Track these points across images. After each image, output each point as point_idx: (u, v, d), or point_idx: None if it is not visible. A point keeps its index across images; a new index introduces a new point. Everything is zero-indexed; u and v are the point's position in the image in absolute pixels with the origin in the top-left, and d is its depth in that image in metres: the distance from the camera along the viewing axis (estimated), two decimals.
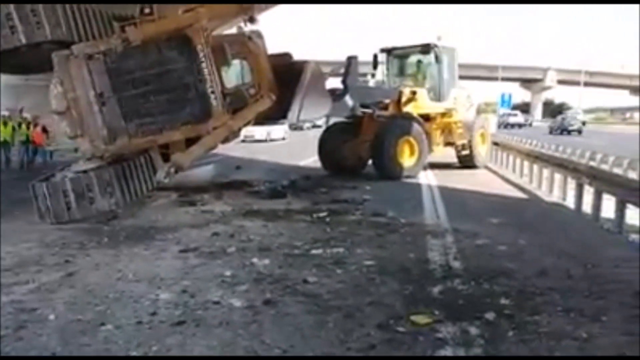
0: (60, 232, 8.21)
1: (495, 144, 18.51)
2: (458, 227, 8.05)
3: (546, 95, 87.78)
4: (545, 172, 12.82)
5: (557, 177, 11.93)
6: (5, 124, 20.27)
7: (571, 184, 11.21)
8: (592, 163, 12.68)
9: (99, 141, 9.35)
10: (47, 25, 9.26)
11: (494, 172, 16.48)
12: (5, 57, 9.58)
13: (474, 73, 66.18)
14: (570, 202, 10.81)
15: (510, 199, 11.68)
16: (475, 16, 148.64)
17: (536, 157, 13.38)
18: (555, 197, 11.65)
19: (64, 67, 9.28)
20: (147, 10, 10.11)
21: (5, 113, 21.14)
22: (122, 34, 9.59)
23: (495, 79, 71.97)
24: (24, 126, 20.70)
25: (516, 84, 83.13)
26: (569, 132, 45.75)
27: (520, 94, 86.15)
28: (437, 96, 16.04)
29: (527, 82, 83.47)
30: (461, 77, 17.96)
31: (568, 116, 54.48)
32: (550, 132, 46.48)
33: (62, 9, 9.46)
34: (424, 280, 5.64)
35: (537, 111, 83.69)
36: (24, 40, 9.19)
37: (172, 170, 9.60)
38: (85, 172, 9.24)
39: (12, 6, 9.04)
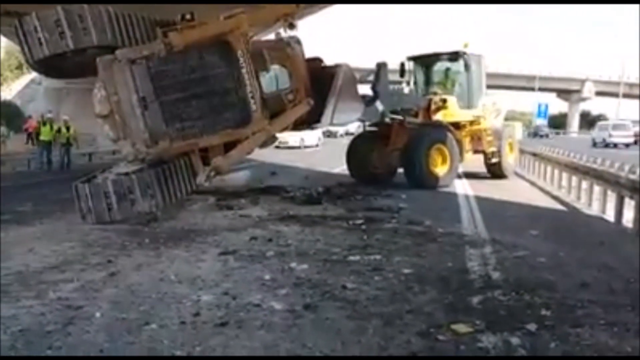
0: (102, 233, 8.39)
1: (534, 154, 18.26)
2: (496, 238, 7.98)
3: (583, 106, 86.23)
4: (584, 184, 12.61)
5: (597, 189, 11.71)
6: (49, 125, 20.84)
7: (611, 197, 11.00)
8: (632, 176, 12.41)
9: (141, 144, 9.52)
10: (93, 31, 9.47)
11: (531, 183, 16.28)
12: (51, 61, 9.80)
13: (511, 83, 65.40)
14: (610, 215, 10.61)
15: (549, 211, 11.53)
16: (512, 25, 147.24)
17: (575, 169, 13.16)
18: (594, 209, 11.45)
19: (108, 72, 9.48)
20: (188, 17, 10.28)
21: (50, 115, 21.70)
22: (164, 39, 9.75)
23: (532, 89, 71.07)
24: (63, 128, 21.24)
25: (553, 95, 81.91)
26: (615, 145, 37.07)
27: (557, 105, 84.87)
28: (467, 104, 15.93)
29: (564, 93, 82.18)
30: (498, 87, 17.85)
31: (614, 126, 41.96)
32: (594, 145, 37.56)
33: (107, 15, 9.67)
34: (464, 289, 5.61)
35: (575, 122, 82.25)
36: (71, 46, 9.39)
37: (212, 174, 9.74)
38: (127, 174, 9.41)
39: (61, 12, 9.27)
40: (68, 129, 21.49)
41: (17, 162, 21.89)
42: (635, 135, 40.67)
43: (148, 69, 9.60)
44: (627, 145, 37.57)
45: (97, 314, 4.80)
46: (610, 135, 39.33)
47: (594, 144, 38.26)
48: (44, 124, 21.02)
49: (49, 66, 10.28)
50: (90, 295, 5.35)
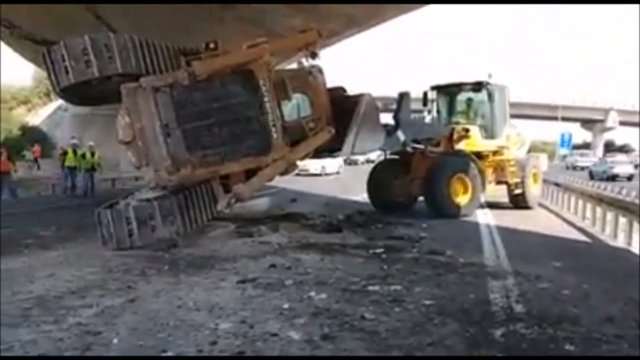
0: (123, 259, 8.43)
1: (557, 184, 18.06)
2: (519, 269, 7.85)
3: (607, 136, 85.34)
4: (609, 215, 12.40)
5: (622, 220, 11.51)
6: (74, 151, 21.18)
7: (637, 229, 10.80)
8: None
9: (163, 171, 9.59)
10: (118, 59, 9.64)
11: (554, 213, 16.06)
12: (77, 89, 9.98)
13: (534, 112, 65.06)
14: (636, 248, 10.40)
15: (573, 242, 11.32)
16: (536, 54, 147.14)
17: (600, 200, 12.96)
18: (620, 241, 11.24)
19: (132, 99, 9.61)
20: (212, 45, 10.43)
21: (74, 141, 22.04)
22: (188, 68, 9.91)
23: (555, 118, 70.58)
24: (88, 154, 21.56)
25: (577, 124, 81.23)
26: (614, 178, 34.27)
27: (581, 135, 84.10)
28: (490, 134, 15.85)
29: (588, 123, 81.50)
30: (520, 116, 17.80)
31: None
32: (592, 178, 31.39)
33: (132, 44, 9.85)
34: (486, 322, 5.50)
35: (599, 152, 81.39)
36: (96, 73, 9.56)
37: (233, 200, 9.78)
38: (148, 200, 9.49)
39: (87, 41, 9.47)
40: (93, 154, 21.82)
41: (41, 187, 22.24)
42: (635, 166, 40.25)
43: (171, 96, 9.72)
44: (629, 178, 35.51)
45: (115, 340, 4.80)
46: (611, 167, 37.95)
47: (592, 177, 33.88)
48: (74, 151, 21.35)
49: (74, 93, 10.48)
50: (109, 321, 5.35)
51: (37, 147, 26.98)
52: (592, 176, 34.90)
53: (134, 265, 7.96)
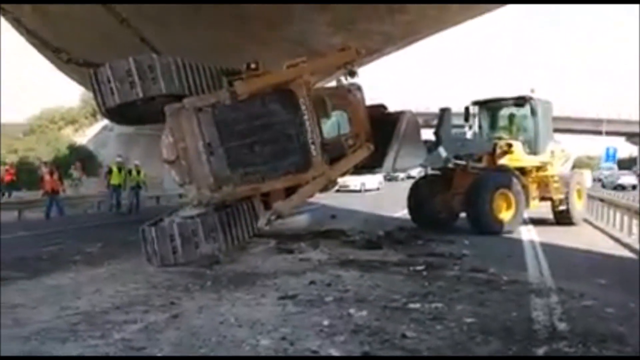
0: (166, 275, 8.61)
1: (601, 200, 17.65)
2: (563, 287, 7.71)
3: None
4: None
5: None
6: (119, 169, 21.72)
7: None
8: None
9: (206, 189, 9.76)
10: (161, 80, 9.85)
11: (600, 229, 15.68)
12: (122, 109, 10.25)
13: (577, 126, 63.69)
14: None
15: (618, 259, 11.05)
16: (578, 67, 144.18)
17: None
18: None
19: (176, 119, 9.83)
20: (253, 65, 10.61)
21: (119, 159, 22.59)
22: (229, 88, 10.10)
23: (600, 132, 68.94)
24: (134, 172, 22.09)
25: (622, 139, 79.11)
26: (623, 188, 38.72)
27: (627, 149, 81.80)
28: (533, 149, 15.62)
29: (633, 137, 79.30)
30: (565, 131, 17.50)
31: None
32: (603, 187, 38.14)
33: (176, 65, 10.07)
34: (528, 340, 5.42)
35: None
36: (141, 94, 9.78)
37: (273, 217, 9.88)
38: (191, 217, 9.65)
39: (132, 63, 9.74)
40: (139, 172, 22.35)
41: (88, 205, 22.85)
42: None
43: (214, 116, 9.90)
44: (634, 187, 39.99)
45: (159, 355, 4.90)
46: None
47: (603, 186, 40.04)
48: (119, 169, 21.91)
49: (120, 114, 10.75)
50: (152, 336, 5.47)
51: (77, 164, 27.74)
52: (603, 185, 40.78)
53: (177, 282, 8.12)
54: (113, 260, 10.01)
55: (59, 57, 11.70)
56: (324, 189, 11.55)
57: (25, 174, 27.51)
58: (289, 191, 10.49)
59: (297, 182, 10.39)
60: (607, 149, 58.41)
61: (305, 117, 10.19)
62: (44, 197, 20.29)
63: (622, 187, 39.67)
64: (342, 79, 11.62)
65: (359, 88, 11.61)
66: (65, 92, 33.33)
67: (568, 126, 56.63)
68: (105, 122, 31.06)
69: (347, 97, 11.42)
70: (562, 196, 15.74)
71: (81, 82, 25.38)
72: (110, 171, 21.97)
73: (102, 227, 16.44)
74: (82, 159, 30.11)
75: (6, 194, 24.64)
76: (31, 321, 6.00)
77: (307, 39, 17.67)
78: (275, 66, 10.92)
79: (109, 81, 9.77)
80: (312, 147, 10.26)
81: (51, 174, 20.46)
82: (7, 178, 25.20)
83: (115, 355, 4.93)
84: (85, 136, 36.19)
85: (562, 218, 16.02)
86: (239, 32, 16.77)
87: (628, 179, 44.46)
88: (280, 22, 16.64)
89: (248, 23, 16.29)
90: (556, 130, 18.80)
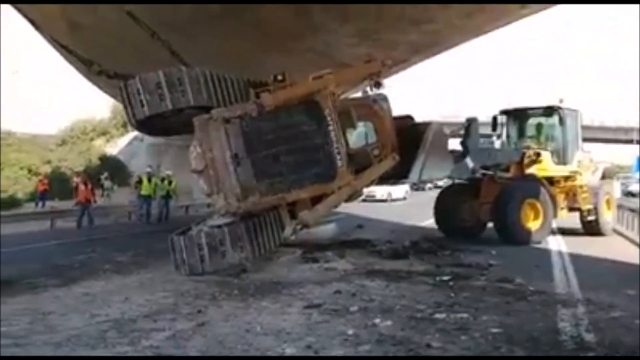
0: (194, 283, 8.75)
1: (632, 210, 17.35)
2: (591, 298, 7.64)
3: None
4: None
5: None
6: (149, 179, 22.08)
7: None
8: None
9: (233, 198, 9.87)
10: (190, 92, 10.02)
11: (630, 240, 15.41)
12: (152, 121, 10.44)
13: (607, 135, 62.62)
14: None
15: None
16: (608, 74, 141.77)
17: None
18: None
19: (204, 130, 9.95)
20: (280, 77, 10.73)
21: (149, 169, 22.95)
22: (256, 99, 10.22)
23: (631, 141, 67.61)
24: (166, 182, 22.48)
25: None
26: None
27: None
28: (561, 159, 15.52)
29: None
30: (594, 140, 17.27)
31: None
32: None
33: (204, 77, 10.24)
34: (554, 351, 5.40)
35: None
36: (170, 106, 9.97)
37: (299, 227, 9.95)
38: (219, 227, 9.77)
39: (161, 76, 9.94)
40: (170, 182, 22.71)
41: (119, 215, 23.24)
42: None
43: (241, 127, 10.01)
44: None
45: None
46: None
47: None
48: (149, 179, 22.26)
49: (149, 125, 10.92)
50: (180, 344, 5.59)
51: (106, 174, 28.27)
52: None
53: (204, 290, 8.24)
54: (142, 269, 10.20)
55: (91, 69, 11.97)
56: (349, 198, 11.58)
57: (58, 184, 28.09)
58: (315, 201, 10.55)
59: (323, 192, 10.44)
60: (639, 158, 57.04)
61: (331, 127, 10.26)
62: (77, 206, 20.71)
63: (632, 194, 37.00)
64: (368, 89, 11.69)
65: (384, 99, 11.65)
66: (96, 104, 33.97)
67: (598, 135, 55.74)
68: (135, 133, 31.53)
69: (373, 107, 11.46)
70: (590, 206, 15.55)
71: (111, 94, 25.86)
72: (140, 181, 22.35)
73: (132, 236, 16.71)
74: (110, 169, 30.62)
75: (40, 204, 25.23)
76: (62, 328, 6.17)
77: (331, 50, 17.75)
78: (299, 78, 11.02)
79: (139, 93, 9.96)
80: (338, 157, 10.32)
81: (85, 184, 20.91)
82: (41, 188, 25.80)
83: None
84: (116, 147, 36.78)
85: (591, 228, 15.81)
86: (262, 44, 16.94)
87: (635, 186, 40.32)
88: (303, 34, 16.75)
89: (271, 34, 16.42)
90: (586, 140, 18.57)
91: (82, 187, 20.76)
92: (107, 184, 27.48)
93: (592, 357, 3.88)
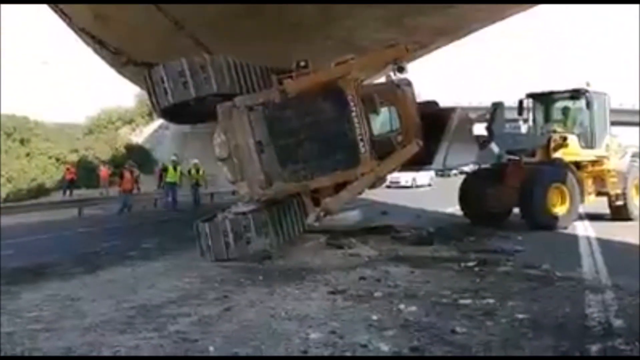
0: (219, 269, 8.83)
1: None
2: (619, 283, 7.51)
3: None
4: None
5: None
6: (174, 168, 22.33)
7: None
8: None
9: (257, 185, 9.92)
10: (213, 80, 10.06)
11: None
12: (176, 109, 10.52)
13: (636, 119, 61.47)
14: None
15: None
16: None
17: None
18: None
19: (227, 118, 10.01)
20: (302, 64, 10.69)
21: (174, 158, 23.18)
22: (279, 86, 10.22)
23: None
24: (193, 170, 22.73)
25: None
26: None
27: None
28: (588, 143, 15.26)
29: None
30: (623, 123, 16.93)
31: None
32: None
33: (227, 65, 10.27)
34: (581, 337, 5.33)
35: None
36: (193, 94, 10.03)
37: (322, 214, 9.96)
38: (243, 213, 9.84)
39: (185, 63, 9.99)
40: (197, 171, 22.94)
41: (145, 202, 23.56)
42: None
43: (264, 114, 10.03)
44: None
45: (211, 348, 5.05)
46: None
47: None
48: (174, 168, 22.52)
49: (174, 113, 11.02)
50: (205, 329, 5.64)
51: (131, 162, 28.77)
52: None
53: (230, 276, 8.31)
54: (168, 255, 10.33)
55: (118, 58, 12.10)
56: (373, 185, 11.53)
57: (85, 173, 28.54)
58: (338, 188, 10.53)
59: (346, 178, 10.40)
60: None
61: (354, 113, 10.20)
62: (121, 194, 21.22)
63: None
64: (392, 74, 11.59)
65: (408, 84, 11.53)
66: (121, 93, 34.33)
67: (627, 119, 54.77)
68: (161, 121, 31.83)
69: (396, 93, 11.36)
70: (619, 191, 15.31)
71: (137, 82, 26.11)
72: (165, 169, 22.60)
73: (158, 223, 16.92)
74: (135, 158, 31.04)
75: (67, 192, 25.68)
76: (90, 313, 6.28)
77: (355, 36, 17.65)
78: (321, 64, 10.97)
79: (163, 81, 10.04)
80: (361, 143, 10.26)
81: (131, 172, 21.31)
82: (69, 177, 26.26)
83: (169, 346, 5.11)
84: (142, 135, 37.16)
85: (619, 214, 15.55)
86: (285, 37, 16.92)
87: None
88: (326, 20, 16.68)
89: (295, 25, 16.40)
90: (614, 123, 18.25)
91: (127, 175, 21.16)
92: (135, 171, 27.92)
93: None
